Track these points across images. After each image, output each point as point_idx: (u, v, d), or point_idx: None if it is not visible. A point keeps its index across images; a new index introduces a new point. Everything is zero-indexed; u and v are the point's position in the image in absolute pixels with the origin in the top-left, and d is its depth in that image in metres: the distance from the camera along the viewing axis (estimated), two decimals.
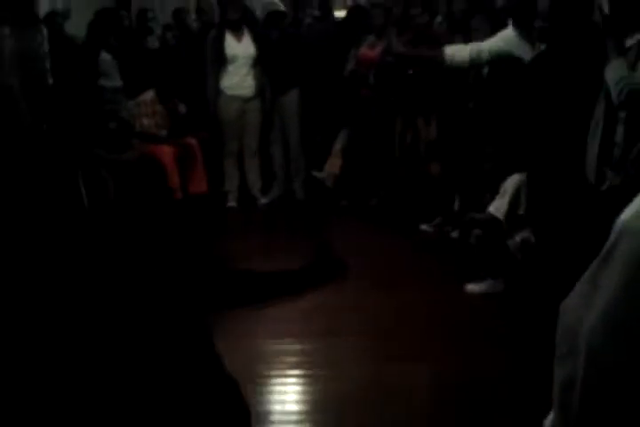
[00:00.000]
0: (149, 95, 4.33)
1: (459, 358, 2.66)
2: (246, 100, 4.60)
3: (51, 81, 3.80)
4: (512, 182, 3.24)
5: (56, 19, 4.99)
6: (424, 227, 4.26)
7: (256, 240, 4.15)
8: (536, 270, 2.86)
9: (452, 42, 4.01)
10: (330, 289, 3.27)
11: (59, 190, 3.72)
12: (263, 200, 4.89)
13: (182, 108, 4.45)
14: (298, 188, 4.93)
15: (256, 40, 4.50)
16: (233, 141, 4.71)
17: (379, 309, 3.14)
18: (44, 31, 3.61)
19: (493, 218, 3.23)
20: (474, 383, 2.46)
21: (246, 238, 4.15)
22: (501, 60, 3.13)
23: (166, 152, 4.43)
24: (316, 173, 4.75)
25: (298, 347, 2.81)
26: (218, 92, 4.53)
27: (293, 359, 2.74)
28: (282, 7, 4.79)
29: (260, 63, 4.51)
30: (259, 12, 5.12)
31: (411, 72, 4.12)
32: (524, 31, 2.97)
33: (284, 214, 4.83)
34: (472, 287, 3.28)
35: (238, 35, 4.46)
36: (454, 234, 4.08)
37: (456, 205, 4.23)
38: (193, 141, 4.53)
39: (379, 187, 4.66)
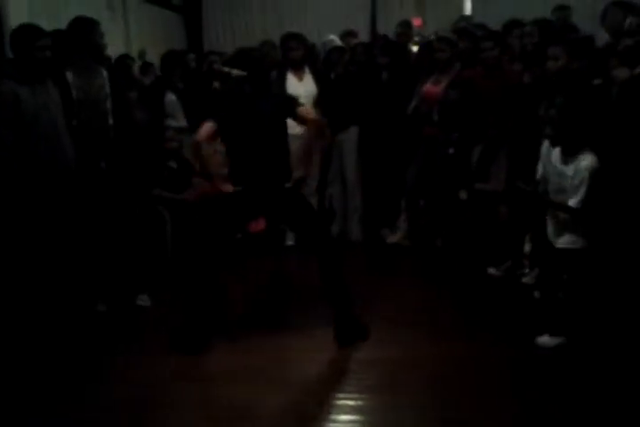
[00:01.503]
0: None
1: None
2: None
3: (111, 121, 3.87)
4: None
5: (126, 61, 5.14)
6: (492, 271, 3.99)
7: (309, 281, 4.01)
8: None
9: (521, 78, 3.84)
10: (388, 340, 3.14)
11: (111, 225, 3.77)
12: None
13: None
14: (354, 227, 4.78)
15: (317, 79, 4.44)
16: None
17: (440, 363, 2.91)
18: (105, 74, 3.68)
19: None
20: None
21: (303, 277, 4.01)
22: None
23: (227, 189, 4.39)
24: (389, 239, 4.73)
25: (352, 404, 2.61)
26: None
27: (347, 418, 2.54)
28: (339, 42, 4.74)
29: (320, 101, 4.43)
30: (321, 51, 5.11)
31: (452, 151, 4.06)
32: None
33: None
34: (543, 341, 2.99)
35: (299, 74, 4.43)
36: (526, 279, 3.80)
37: (527, 248, 3.97)
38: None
39: (443, 227, 4.44)
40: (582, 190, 2.90)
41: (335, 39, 4.74)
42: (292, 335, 3.24)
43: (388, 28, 8.15)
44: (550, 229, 3.10)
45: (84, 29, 3.58)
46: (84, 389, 2.77)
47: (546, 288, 3.37)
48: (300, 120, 3.19)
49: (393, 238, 4.74)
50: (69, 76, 3.47)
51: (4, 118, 3.12)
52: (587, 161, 2.92)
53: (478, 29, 4.88)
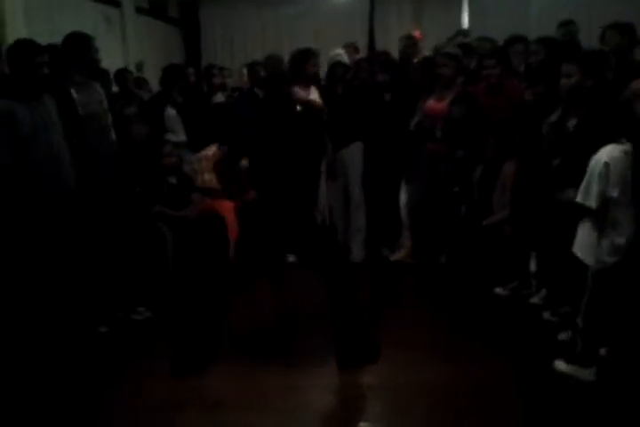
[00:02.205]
0: (212, 150, 4.28)
1: None
2: None
3: (114, 136, 3.82)
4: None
5: (125, 75, 5.09)
6: (499, 290, 3.94)
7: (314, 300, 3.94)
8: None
9: (522, 95, 3.80)
10: (398, 362, 3.07)
11: (112, 243, 3.71)
12: None
13: (244, 163, 4.35)
14: (356, 247, 4.69)
15: (322, 93, 4.39)
16: None
17: (450, 386, 2.84)
18: (100, 89, 3.64)
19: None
20: None
21: (306, 296, 3.92)
22: None
23: (227, 207, 4.35)
24: (393, 257, 4.70)
25: None
26: None
27: None
28: (346, 59, 4.70)
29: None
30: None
31: (456, 189, 4.07)
32: None
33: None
34: (560, 365, 2.92)
35: (307, 88, 4.36)
36: (534, 299, 3.74)
37: (532, 266, 3.92)
38: (254, 195, 4.41)
39: (447, 243, 4.38)
40: (592, 186, 2.64)
41: (342, 54, 4.70)
42: (296, 359, 3.16)
43: (385, 41, 8.18)
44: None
45: (79, 45, 3.56)
46: (87, 419, 2.68)
47: (558, 311, 3.33)
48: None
49: (397, 256, 4.69)
50: (73, 92, 3.44)
51: (1, 138, 3.05)
52: (599, 154, 2.66)
53: (486, 42, 4.82)
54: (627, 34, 3.88)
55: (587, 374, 2.81)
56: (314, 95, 4.29)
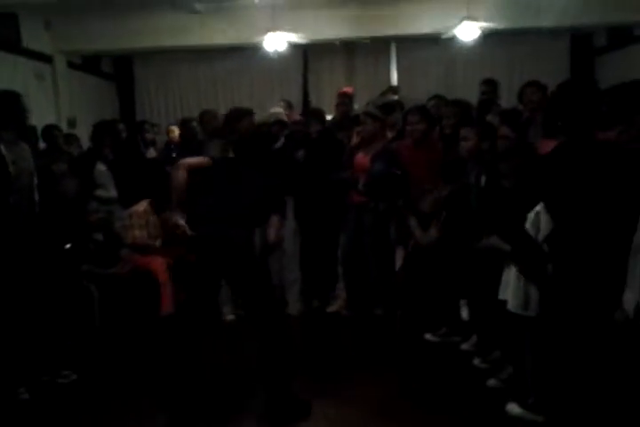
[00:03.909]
0: (142, 206, 4.25)
1: None
2: None
3: (37, 197, 3.71)
4: None
5: (53, 132, 5.04)
6: (428, 337, 3.99)
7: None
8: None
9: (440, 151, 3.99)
10: (332, 420, 3.00)
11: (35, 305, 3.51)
12: None
13: (177, 219, 4.32)
14: (292, 299, 4.69)
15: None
16: None
17: None
18: (27, 147, 3.58)
19: None
20: None
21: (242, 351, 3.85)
22: None
23: (159, 263, 4.28)
24: (329, 308, 4.71)
25: None
26: None
27: None
28: (284, 117, 4.82)
29: None
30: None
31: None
32: None
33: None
34: (514, 409, 2.92)
35: None
36: (465, 346, 3.80)
37: (464, 314, 4.00)
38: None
39: (382, 294, 4.42)
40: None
41: (281, 113, 4.82)
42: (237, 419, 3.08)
43: (319, 94, 8.44)
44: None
45: (9, 103, 3.52)
46: None
47: (488, 358, 3.40)
48: None
49: (332, 308, 4.70)
50: (3, 149, 3.38)
51: None
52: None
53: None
54: (543, 92, 4.14)
55: (540, 418, 2.84)
56: None
